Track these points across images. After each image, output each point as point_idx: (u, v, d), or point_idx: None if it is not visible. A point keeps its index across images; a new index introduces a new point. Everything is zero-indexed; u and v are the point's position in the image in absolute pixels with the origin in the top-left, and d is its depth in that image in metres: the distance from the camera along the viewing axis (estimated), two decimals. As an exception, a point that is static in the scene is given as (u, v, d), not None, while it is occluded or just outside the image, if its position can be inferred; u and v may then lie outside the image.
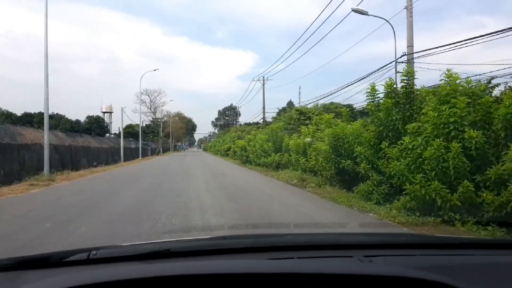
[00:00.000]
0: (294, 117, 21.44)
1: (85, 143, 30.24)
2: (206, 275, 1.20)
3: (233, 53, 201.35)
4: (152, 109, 62.77)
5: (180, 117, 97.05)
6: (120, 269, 1.35)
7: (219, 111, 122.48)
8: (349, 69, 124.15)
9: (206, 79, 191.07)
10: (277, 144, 20.18)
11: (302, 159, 17.04)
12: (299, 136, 18.63)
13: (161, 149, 65.48)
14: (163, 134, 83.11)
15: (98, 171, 20.84)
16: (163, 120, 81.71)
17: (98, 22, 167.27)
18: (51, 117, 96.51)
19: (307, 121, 21.08)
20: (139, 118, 44.05)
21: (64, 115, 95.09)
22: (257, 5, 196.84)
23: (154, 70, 44.13)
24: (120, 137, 79.74)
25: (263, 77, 42.43)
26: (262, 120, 45.03)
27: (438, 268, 1.43)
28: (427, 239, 2.29)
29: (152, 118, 64.12)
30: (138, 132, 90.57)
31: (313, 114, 21.23)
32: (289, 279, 1.23)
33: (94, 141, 36.05)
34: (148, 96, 63.50)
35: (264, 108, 42.59)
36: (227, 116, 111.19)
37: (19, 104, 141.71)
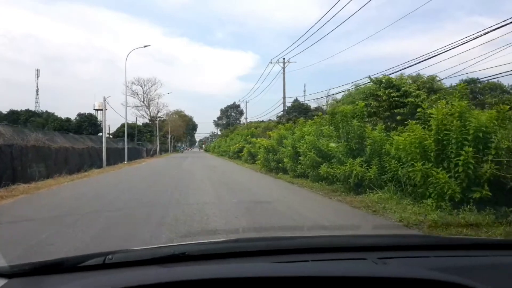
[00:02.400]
0: (380, 93, 11.71)
1: (39, 142, 20.47)
2: (222, 279, 1.19)
3: (233, 54, 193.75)
4: (145, 102, 51.87)
5: (180, 115, 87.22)
6: (136, 274, 1.30)
7: (221, 110, 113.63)
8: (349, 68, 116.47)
9: (206, 80, 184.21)
10: (354, 142, 10.59)
11: (442, 174, 7.53)
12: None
13: (158, 150, 55.58)
14: (161, 133, 73.33)
15: (23, 191, 11.11)
16: (160, 118, 71.71)
17: (98, 23, 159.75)
18: (39, 115, 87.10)
19: (405, 100, 11.46)
20: (125, 111, 34.07)
21: (53, 113, 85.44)
22: (257, 6, 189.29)
23: (145, 46, 33.92)
24: (116, 137, 69.77)
25: (283, 58, 32.76)
26: (281, 113, 35.62)
27: (452, 269, 1.39)
28: (440, 241, 2.22)
29: (150, 117, 52.98)
30: (138, 130, 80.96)
31: (410, 87, 11.57)
32: (304, 282, 1.21)
33: (64, 140, 26.23)
34: (141, 86, 52.19)
35: (284, 97, 32.92)
36: (233, 113, 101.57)
37: (6, 101, 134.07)
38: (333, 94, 45.64)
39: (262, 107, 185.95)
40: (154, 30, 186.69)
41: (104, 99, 31.16)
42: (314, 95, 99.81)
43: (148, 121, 60.90)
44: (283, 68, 32.69)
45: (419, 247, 1.79)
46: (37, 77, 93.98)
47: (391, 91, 11.47)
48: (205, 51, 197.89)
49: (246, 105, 56.15)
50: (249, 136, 32.17)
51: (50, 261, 1.42)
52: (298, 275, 1.24)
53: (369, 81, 12.84)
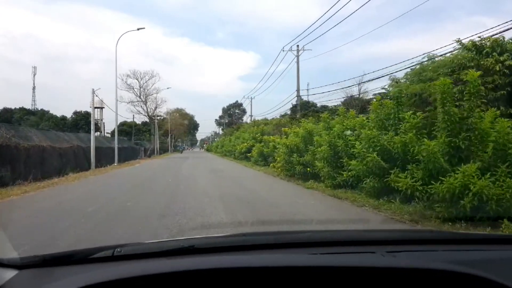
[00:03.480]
0: (489, 63, 7.37)
1: (2, 140, 16.20)
2: (228, 269, 1.20)
3: (234, 54, 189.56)
4: (142, 96, 46.78)
5: (180, 113, 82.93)
6: (145, 265, 1.31)
7: (223, 109, 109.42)
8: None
9: (207, 80, 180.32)
10: (462, 137, 6.31)
11: None
12: None
13: (156, 149, 51.21)
14: (161, 132, 69.07)
15: None
16: (160, 117, 67.25)
17: (98, 23, 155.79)
18: (33, 113, 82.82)
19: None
20: (115, 103, 29.36)
21: (48, 111, 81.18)
22: (258, 6, 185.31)
23: (138, 29, 29.48)
24: (113, 136, 65.16)
25: (297, 45, 28.51)
26: (290, 110, 31.55)
27: (461, 262, 1.34)
28: (449, 235, 2.20)
29: (147, 114, 47.53)
30: (137, 129, 76.56)
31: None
32: (312, 273, 1.21)
33: (44, 138, 21.93)
34: (137, 80, 46.47)
35: (298, 90, 28.70)
36: (237, 111, 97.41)
37: (4, 100, 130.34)
38: (368, 81, 41.31)
39: (265, 107, 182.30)
40: (154, 30, 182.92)
41: (93, 92, 26.95)
42: (319, 93, 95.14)
43: (146, 119, 55.23)
44: (297, 56, 28.44)
45: (428, 241, 1.75)
46: (34, 75, 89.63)
47: (504, 57, 7.19)
48: (205, 51, 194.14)
49: (251, 101, 51.86)
50: (259, 134, 27.93)
51: (60, 254, 1.42)
52: (305, 265, 1.25)
53: (455, 49, 8.50)
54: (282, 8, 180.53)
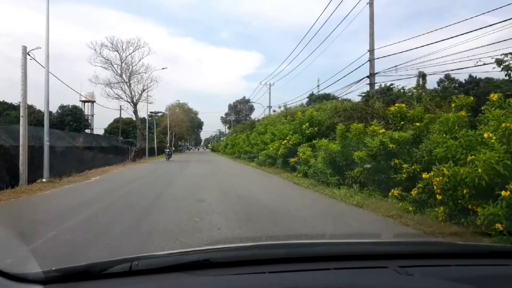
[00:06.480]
0: None
1: None
2: None
3: (238, 53, 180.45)
4: (124, 75, 31.91)
5: (183, 109, 71.11)
6: (161, 284, 1.33)
7: (229, 105, 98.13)
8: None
9: (211, 80, 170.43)
10: None
11: None
12: None
13: (150, 150, 39.31)
14: (159, 129, 57.11)
15: None
16: (156, 113, 55.06)
17: (101, 22, 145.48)
18: (14, 107, 70.72)
19: None
20: (46, 50, 16.09)
21: (32, 105, 69.71)
22: (261, 6, 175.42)
23: None
24: (110, 134, 51.77)
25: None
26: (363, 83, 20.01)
27: (474, 279, 1.35)
28: (461, 248, 2.06)
29: (132, 100, 31.46)
30: (133, 126, 64.66)
31: None
32: None
33: None
34: (117, 52, 30.15)
35: (372, 44, 16.79)
36: (250, 103, 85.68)
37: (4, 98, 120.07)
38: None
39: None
40: (158, 30, 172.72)
41: (25, 51, 15.02)
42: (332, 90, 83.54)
43: (130, 108, 35.38)
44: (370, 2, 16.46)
45: (440, 255, 1.69)
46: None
47: None
48: (209, 51, 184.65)
49: (269, 88, 39.99)
50: (307, 125, 16.05)
51: (79, 267, 1.42)
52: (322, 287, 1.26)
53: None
54: (284, 9, 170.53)
